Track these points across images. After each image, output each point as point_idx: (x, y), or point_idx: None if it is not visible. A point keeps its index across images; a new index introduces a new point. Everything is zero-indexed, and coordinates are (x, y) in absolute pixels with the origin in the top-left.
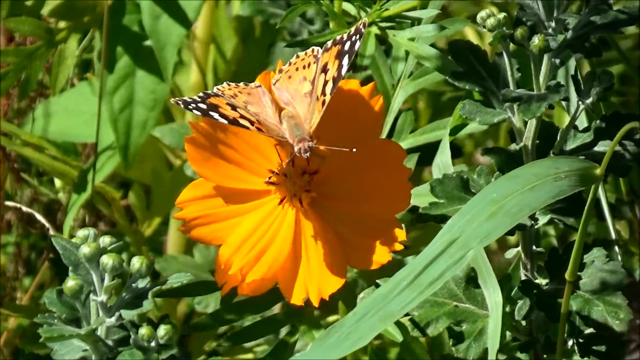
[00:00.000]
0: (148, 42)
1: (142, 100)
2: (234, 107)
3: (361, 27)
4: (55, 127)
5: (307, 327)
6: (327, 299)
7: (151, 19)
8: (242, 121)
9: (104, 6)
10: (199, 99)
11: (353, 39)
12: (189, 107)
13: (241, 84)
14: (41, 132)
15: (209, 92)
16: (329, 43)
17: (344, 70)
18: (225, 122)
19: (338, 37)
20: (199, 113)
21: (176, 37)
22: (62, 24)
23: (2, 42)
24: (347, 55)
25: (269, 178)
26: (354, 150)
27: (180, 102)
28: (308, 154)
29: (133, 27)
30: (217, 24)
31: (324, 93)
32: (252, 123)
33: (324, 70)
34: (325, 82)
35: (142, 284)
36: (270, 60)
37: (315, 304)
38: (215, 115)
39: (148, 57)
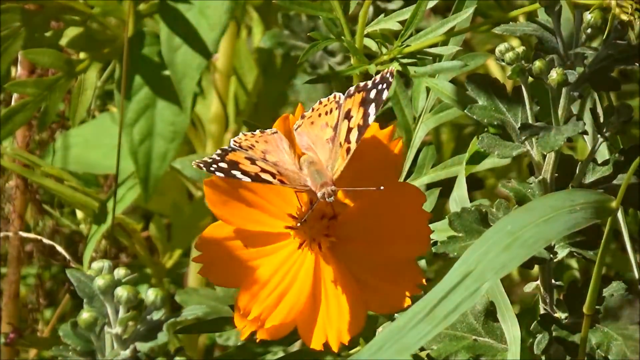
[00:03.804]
0: (168, 72)
1: (162, 131)
2: (253, 161)
3: (388, 75)
4: (76, 159)
5: None
6: (347, 344)
7: (170, 50)
8: (263, 175)
9: (123, 38)
10: (218, 157)
11: (379, 87)
12: (211, 168)
13: (257, 132)
14: (62, 163)
15: (226, 147)
16: (352, 89)
17: (371, 119)
18: (249, 179)
19: (362, 84)
20: (221, 174)
21: (195, 68)
22: (82, 56)
23: (23, 74)
24: (373, 104)
25: (291, 227)
26: (375, 189)
27: (201, 165)
28: (332, 198)
29: (153, 58)
30: (238, 55)
31: (348, 140)
32: (273, 176)
33: (347, 117)
34: (350, 130)
35: (157, 316)
36: (291, 92)
37: (335, 349)
38: (238, 174)
39: (168, 88)
